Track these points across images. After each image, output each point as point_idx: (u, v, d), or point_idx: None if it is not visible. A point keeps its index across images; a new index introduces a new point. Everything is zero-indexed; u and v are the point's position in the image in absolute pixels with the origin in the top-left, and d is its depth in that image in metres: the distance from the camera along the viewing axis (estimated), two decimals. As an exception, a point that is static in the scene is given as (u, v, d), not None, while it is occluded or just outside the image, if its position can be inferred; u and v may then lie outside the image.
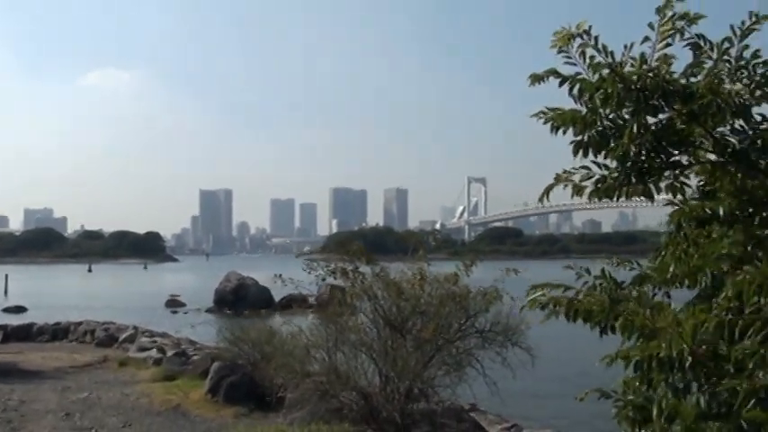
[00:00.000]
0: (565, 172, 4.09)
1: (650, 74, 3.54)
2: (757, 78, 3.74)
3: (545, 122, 4.04)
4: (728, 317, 2.97)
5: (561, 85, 3.75)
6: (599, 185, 4.02)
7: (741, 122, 3.80)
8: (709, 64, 3.70)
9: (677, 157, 3.88)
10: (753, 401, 2.92)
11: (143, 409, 13.67)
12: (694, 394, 3.46)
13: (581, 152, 3.95)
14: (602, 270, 4.88)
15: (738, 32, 3.68)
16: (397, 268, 11.70)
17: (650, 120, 3.80)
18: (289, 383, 13.22)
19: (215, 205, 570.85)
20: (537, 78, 3.84)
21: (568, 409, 16.47)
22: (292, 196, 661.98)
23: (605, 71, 3.62)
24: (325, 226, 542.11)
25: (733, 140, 3.80)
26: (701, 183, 4.04)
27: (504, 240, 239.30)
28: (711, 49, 3.73)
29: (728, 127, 3.84)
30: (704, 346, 3.27)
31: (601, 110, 3.78)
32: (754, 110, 3.78)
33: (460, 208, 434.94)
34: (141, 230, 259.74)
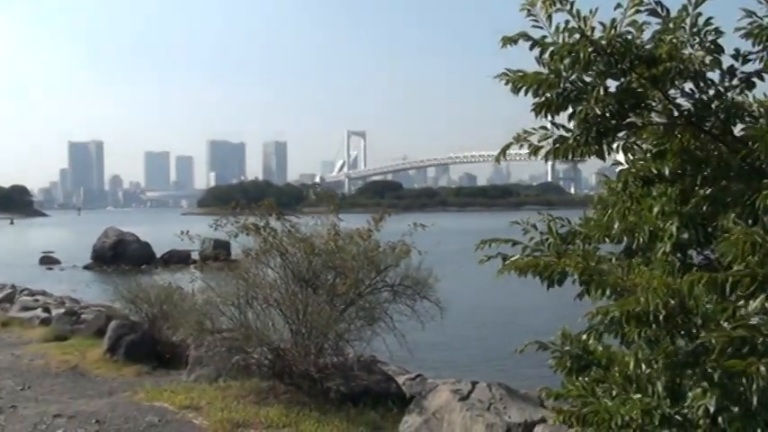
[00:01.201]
0: (525, 132, 4.21)
1: (619, 39, 3.69)
2: (707, 45, 3.95)
3: (506, 83, 4.14)
4: (721, 274, 3.17)
5: (532, 47, 3.85)
6: (557, 145, 4.17)
7: (691, 86, 4.02)
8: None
9: (632, 119, 4.07)
10: (729, 351, 3.14)
11: (39, 371, 13.15)
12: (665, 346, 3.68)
13: (542, 113, 4.08)
14: (549, 226, 5.09)
15: (693, 1, 3.87)
16: (306, 223, 11.68)
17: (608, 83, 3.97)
18: (193, 340, 13.06)
19: (85, 158, 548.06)
20: (508, 41, 3.92)
21: (470, 359, 17.11)
22: (167, 149, 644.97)
23: (576, 36, 3.74)
24: (203, 179, 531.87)
25: (686, 104, 4.01)
26: (652, 144, 4.25)
27: (384, 194, 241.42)
28: (668, 17, 3.91)
29: (679, 91, 4.06)
30: (673, 301, 3.48)
31: (564, 73, 3.91)
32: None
33: (340, 162, 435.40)
34: (5, 184, 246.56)
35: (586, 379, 4.94)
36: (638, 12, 3.73)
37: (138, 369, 13.43)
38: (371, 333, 10.77)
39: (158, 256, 53.09)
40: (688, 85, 3.99)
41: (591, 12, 3.77)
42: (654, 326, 3.55)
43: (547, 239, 4.93)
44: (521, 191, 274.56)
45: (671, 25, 3.83)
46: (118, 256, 51.58)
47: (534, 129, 4.18)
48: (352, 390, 10.88)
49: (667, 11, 3.87)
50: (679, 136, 4.08)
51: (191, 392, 11.13)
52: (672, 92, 4.03)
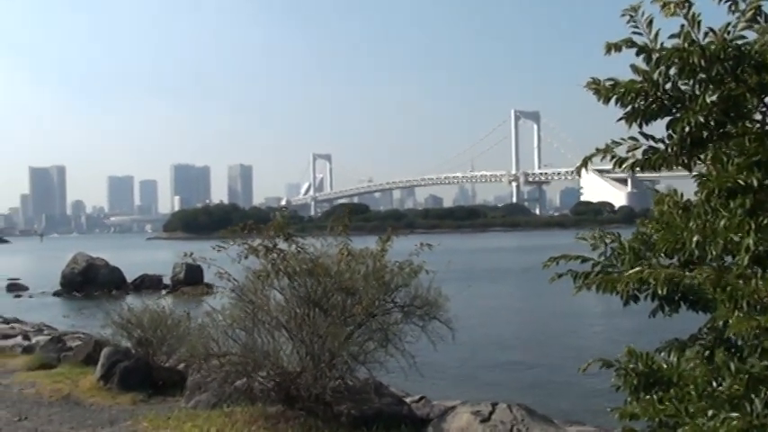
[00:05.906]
0: (614, 142, 4.08)
1: (731, 46, 3.58)
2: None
3: (595, 93, 4.01)
4: None
5: (639, 54, 3.73)
6: (648, 156, 4.04)
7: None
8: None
9: (728, 128, 3.96)
10: None
11: (32, 400, 12.68)
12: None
13: (635, 122, 3.96)
14: (620, 240, 4.96)
15: (793, 6, 3.78)
16: (311, 244, 11.44)
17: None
18: (192, 365, 12.71)
19: (47, 183, 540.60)
20: (612, 47, 3.80)
21: (476, 380, 16.94)
22: (131, 173, 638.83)
23: (678, 41, 3.63)
24: (167, 203, 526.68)
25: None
26: (746, 153, 4.13)
27: (350, 216, 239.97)
28: (766, 22, 3.81)
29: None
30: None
31: (660, 80, 3.79)
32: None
33: (306, 184, 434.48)
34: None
35: (656, 397, 4.82)
36: (754, 19, 3.63)
37: (133, 397, 13.04)
38: (386, 355, 10.53)
39: (129, 281, 52.43)
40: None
41: (694, 16, 3.65)
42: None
43: (620, 254, 4.82)
44: (487, 212, 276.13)
45: (768, 29, 3.74)
46: (88, 281, 50.75)
47: (623, 139, 4.05)
48: (364, 413, 10.63)
49: (765, 16, 3.78)
50: (771, 145, 3.98)
51: (196, 420, 10.81)
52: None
